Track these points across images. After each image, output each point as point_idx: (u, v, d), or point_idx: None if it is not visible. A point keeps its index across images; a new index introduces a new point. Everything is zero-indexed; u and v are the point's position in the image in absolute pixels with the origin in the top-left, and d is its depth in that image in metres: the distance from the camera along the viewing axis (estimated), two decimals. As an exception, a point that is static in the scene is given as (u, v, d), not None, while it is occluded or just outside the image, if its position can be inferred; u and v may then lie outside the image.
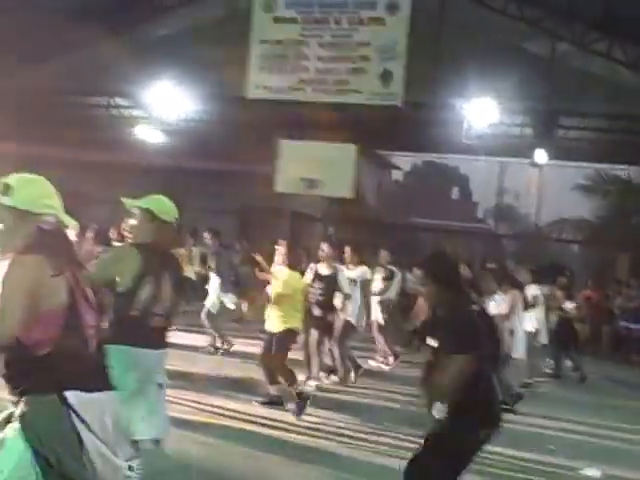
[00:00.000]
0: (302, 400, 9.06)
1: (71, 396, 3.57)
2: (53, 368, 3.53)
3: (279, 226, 23.86)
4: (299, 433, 8.36)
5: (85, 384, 3.61)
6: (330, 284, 10.80)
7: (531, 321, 12.30)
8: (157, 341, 5.36)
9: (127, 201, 5.38)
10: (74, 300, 3.65)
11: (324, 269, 10.86)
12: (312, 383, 10.75)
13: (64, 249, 3.78)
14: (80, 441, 3.53)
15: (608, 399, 12.60)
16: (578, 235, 26.67)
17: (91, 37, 19.04)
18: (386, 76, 18.40)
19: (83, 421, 3.56)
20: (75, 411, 3.57)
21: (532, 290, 12.56)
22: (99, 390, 3.69)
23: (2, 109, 18.79)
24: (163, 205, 5.39)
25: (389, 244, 15.88)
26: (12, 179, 3.67)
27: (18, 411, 3.57)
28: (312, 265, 11.07)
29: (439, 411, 4.82)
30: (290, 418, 8.83)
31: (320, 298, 10.70)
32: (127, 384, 4.88)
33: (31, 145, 18.93)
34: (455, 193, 47.61)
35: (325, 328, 10.97)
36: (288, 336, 9.43)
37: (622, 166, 23.31)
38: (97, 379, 3.75)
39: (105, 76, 19.77)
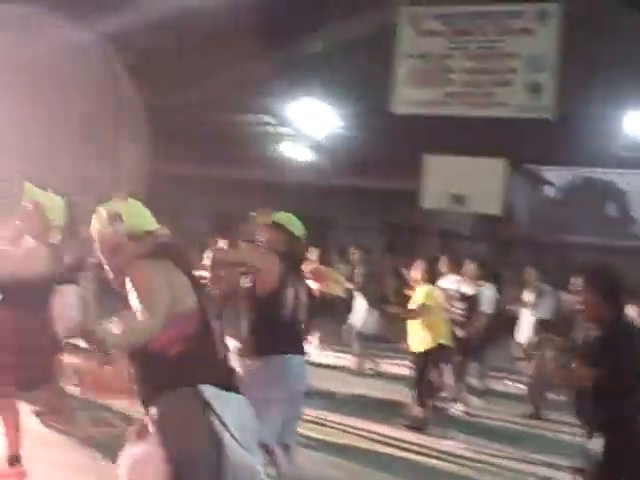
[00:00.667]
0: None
1: (207, 390, 3.57)
2: (187, 366, 3.58)
3: (426, 244, 23.51)
4: (443, 459, 7.96)
5: (219, 383, 3.63)
6: (474, 304, 10.48)
7: None
8: (302, 347, 5.57)
9: (259, 216, 5.56)
10: (202, 305, 3.76)
11: (468, 288, 10.51)
12: (459, 407, 10.30)
13: (184, 257, 3.93)
14: (217, 440, 3.50)
15: None
16: None
17: (246, 54, 19.28)
18: (535, 88, 17.75)
19: (220, 418, 3.55)
20: (211, 406, 3.55)
21: None
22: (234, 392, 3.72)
23: (155, 128, 19.27)
24: (292, 221, 5.61)
25: (540, 263, 15.23)
26: (119, 207, 3.91)
27: (152, 412, 3.58)
28: (452, 279, 10.70)
29: (597, 444, 4.36)
30: (436, 444, 8.45)
31: (462, 319, 10.35)
32: (279, 391, 5.12)
33: (181, 164, 19.36)
34: (610, 208, 45.85)
35: (467, 349, 10.56)
36: (441, 352, 9.23)
37: None
38: (230, 381, 3.78)
39: (254, 93, 19.99)
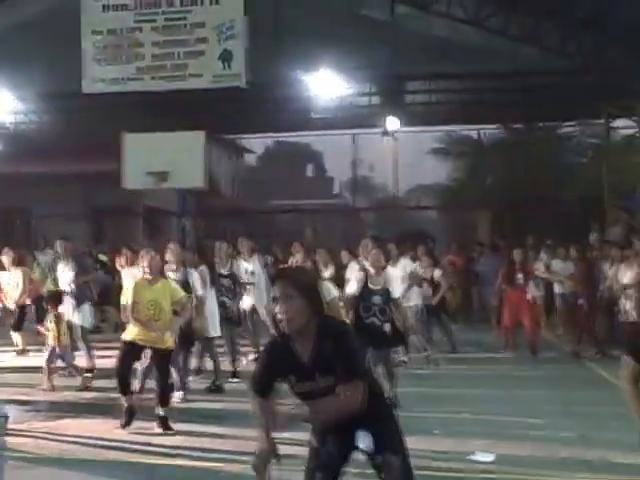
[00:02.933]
0: None
1: None
2: None
3: (133, 225, 22.94)
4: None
5: None
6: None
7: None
8: None
9: None
10: None
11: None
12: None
13: None
14: None
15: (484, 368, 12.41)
16: (437, 200, 26.72)
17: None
18: (226, 57, 17.62)
19: None
20: None
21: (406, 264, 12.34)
22: None
23: None
24: None
25: (249, 231, 15.27)
26: None
27: None
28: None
29: None
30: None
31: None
32: None
33: None
34: (310, 170, 47.31)
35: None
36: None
37: (474, 126, 23.42)
38: None
39: None
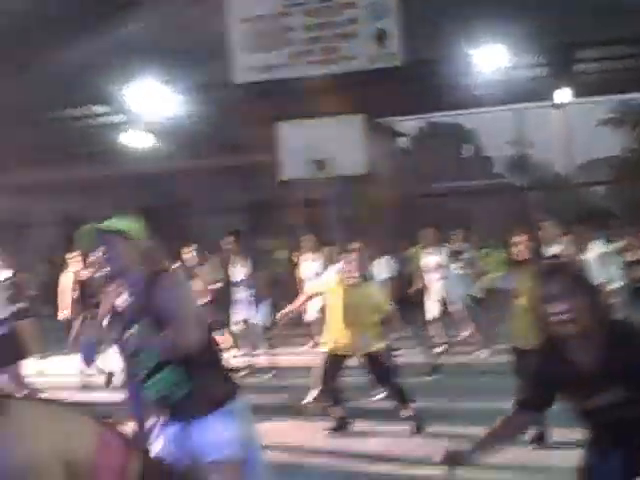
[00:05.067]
0: None
1: None
2: None
3: (292, 217, 22.48)
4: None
5: None
6: None
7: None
8: None
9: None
10: None
11: None
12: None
13: None
14: None
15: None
16: (611, 175, 24.99)
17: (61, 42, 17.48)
18: (380, 36, 16.79)
19: None
20: None
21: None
22: None
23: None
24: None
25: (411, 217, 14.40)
26: None
27: None
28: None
29: None
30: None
31: None
32: None
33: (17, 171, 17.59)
34: (466, 150, 45.87)
35: None
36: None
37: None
38: None
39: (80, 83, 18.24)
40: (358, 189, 21.80)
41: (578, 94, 18.50)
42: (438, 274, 12.02)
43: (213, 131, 20.26)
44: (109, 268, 4.02)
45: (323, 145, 16.57)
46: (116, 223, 4.08)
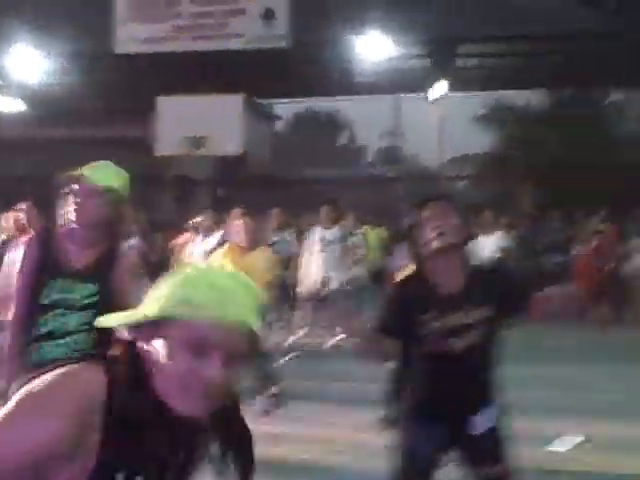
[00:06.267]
0: None
1: None
2: None
3: (162, 194, 22.15)
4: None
5: None
6: None
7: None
8: None
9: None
10: None
11: None
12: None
13: None
14: None
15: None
16: (481, 170, 25.67)
17: None
18: (269, 15, 16.62)
19: None
20: None
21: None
22: None
23: None
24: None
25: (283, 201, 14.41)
26: None
27: None
28: None
29: None
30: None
31: None
32: None
33: None
34: (342, 137, 46.28)
35: None
36: None
37: (524, 91, 22.30)
38: None
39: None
40: (233, 169, 21.67)
41: (456, 88, 18.81)
42: (320, 254, 12.00)
43: (89, 101, 19.61)
44: (77, 218, 3.84)
45: (200, 123, 16.42)
46: (108, 178, 3.99)
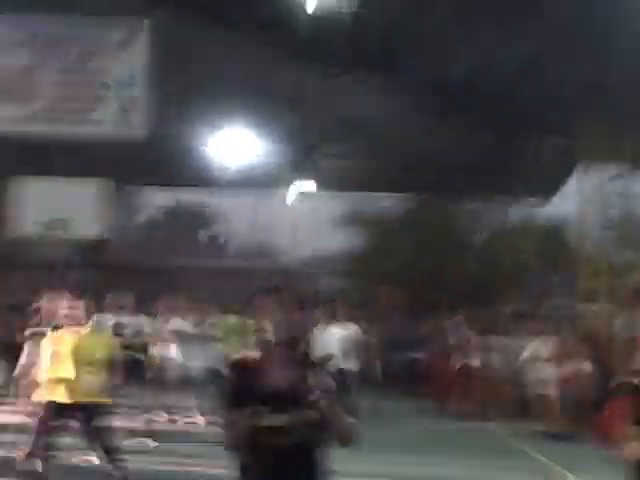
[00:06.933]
0: None
1: None
2: None
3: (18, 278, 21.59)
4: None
5: None
6: None
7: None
8: None
9: None
10: None
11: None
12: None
13: None
14: None
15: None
16: (337, 268, 26.16)
17: None
18: (127, 105, 16.90)
19: None
20: None
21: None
22: None
23: None
24: None
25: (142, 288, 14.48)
26: None
27: None
28: None
29: None
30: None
31: None
32: None
33: None
34: (205, 229, 46.39)
35: None
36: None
37: (385, 194, 22.97)
38: None
39: None
40: (94, 254, 21.47)
41: (318, 187, 19.40)
42: (178, 341, 12.17)
43: None
44: None
45: (61, 205, 16.36)
46: None
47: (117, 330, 10.80)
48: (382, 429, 12.09)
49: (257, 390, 3.56)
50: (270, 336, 3.83)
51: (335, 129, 17.24)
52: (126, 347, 10.31)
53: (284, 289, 3.61)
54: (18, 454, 8.27)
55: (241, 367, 3.91)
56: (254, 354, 4.03)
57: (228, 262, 36.10)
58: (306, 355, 3.77)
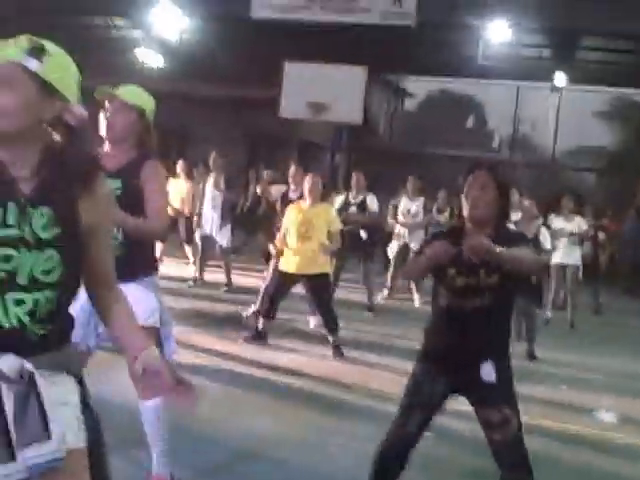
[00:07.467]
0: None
1: None
2: None
3: (287, 156, 22.94)
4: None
5: None
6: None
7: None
8: None
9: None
10: None
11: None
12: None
13: None
14: None
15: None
16: (597, 164, 25.49)
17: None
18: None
19: None
20: None
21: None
22: None
23: None
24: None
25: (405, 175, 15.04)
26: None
27: None
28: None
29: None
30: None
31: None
32: None
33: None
34: (470, 121, 46.09)
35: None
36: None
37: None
38: None
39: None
40: (354, 139, 22.31)
41: (575, 81, 18.96)
42: (411, 221, 12.76)
43: (222, 62, 20.59)
44: (108, 132, 4.20)
45: (324, 90, 17.13)
46: (137, 98, 4.34)
47: (348, 207, 11.34)
48: (598, 325, 12.42)
49: (456, 257, 3.80)
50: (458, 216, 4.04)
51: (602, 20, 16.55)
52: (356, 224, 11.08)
53: (491, 169, 3.70)
54: (247, 311, 9.61)
55: (449, 234, 4.03)
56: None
57: (493, 154, 35.97)
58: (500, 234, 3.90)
